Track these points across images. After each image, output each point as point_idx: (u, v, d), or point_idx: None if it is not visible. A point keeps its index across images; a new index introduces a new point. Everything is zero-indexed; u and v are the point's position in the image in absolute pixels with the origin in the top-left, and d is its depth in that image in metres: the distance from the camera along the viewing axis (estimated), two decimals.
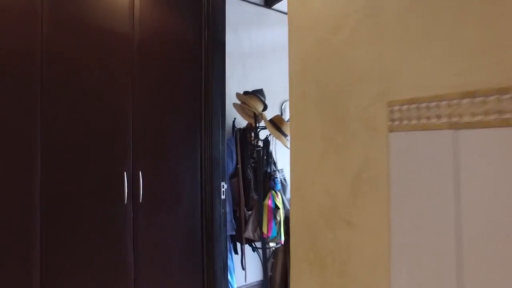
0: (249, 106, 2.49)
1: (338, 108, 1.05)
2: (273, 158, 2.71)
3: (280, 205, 2.57)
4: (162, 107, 1.90)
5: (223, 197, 2.07)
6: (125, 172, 1.74)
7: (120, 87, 1.77)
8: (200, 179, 2.04)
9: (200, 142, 2.05)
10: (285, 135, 2.56)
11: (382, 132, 0.91)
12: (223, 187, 2.07)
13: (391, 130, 0.89)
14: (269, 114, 2.74)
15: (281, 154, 3.36)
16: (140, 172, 1.79)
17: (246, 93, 2.58)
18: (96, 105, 1.70)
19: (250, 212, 2.54)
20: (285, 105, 3.30)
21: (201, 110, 2.05)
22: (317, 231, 1.11)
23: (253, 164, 2.65)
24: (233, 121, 2.71)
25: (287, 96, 3.50)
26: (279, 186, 2.62)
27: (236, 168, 2.62)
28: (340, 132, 1.03)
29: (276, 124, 2.52)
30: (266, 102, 2.67)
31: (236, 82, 2.97)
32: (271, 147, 2.67)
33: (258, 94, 2.58)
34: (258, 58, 3.18)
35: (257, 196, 2.54)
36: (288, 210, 2.75)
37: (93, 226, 1.66)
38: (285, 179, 2.95)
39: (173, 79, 1.96)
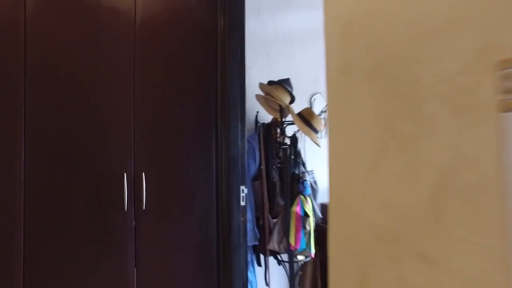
0: (274, 98, 2.15)
1: (402, 82, 0.69)
2: (301, 158, 2.36)
3: (310, 213, 2.21)
4: (169, 98, 1.62)
5: (242, 203, 1.75)
6: (125, 174, 1.46)
7: (119, 74, 1.50)
8: (215, 182, 1.74)
9: (215, 139, 1.74)
10: (316, 131, 2.20)
11: (486, 112, 0.54)
12: (242, 192, 1.76)
13: (504, 108, 0.52)
14: (297, 108, 2.39)
15: (311, 153, 3.00)
16: (143, 174, 1.51)
17: (270, 83, 2.25)
18: (90, 96, 1.44)
19: (275, 220, 2.21)
20: (315, 98, 2.93)
21: (217, 102, 1.75)
22: (370, 264, 0.76)
23: (278, 165, 2.32)
24: (256, 115, 2.39)
25: (317, 88, 3.13)
26: (309, 190, 2.27)
27: (259, 169, 2.29)
28: (407, 118, 0.67)
29: (306, 118, 2.17)
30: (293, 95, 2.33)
31: (259, 72, 2.64)
32: (300, 145, 2.32)
33: (284, 84, 2.24)
34: (283, 45, 2.84)
35: (283, 202, 2.20)
36: (319, 218, 2.39)
37: (87, 237, 1.40)
38: (315, 182, 2.58)
39: (183, 65, 1.67)
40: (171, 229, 1.59)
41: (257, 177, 2.29)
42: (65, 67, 1.40)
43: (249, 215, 2.15)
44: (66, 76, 1.40)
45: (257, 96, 2.30)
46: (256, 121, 2.38)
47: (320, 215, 2.38)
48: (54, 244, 1.35)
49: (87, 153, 1.42)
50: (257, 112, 2.34)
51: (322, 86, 3.02)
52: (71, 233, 1.38)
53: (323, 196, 3.07)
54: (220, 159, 1.76)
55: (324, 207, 2.66)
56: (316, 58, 3.03)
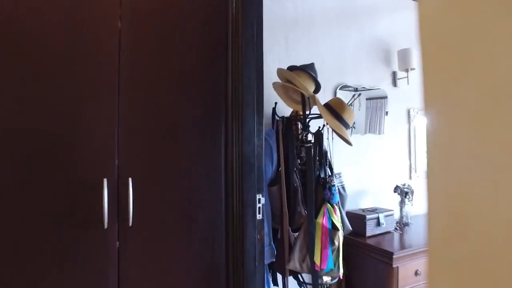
0: (295, 86, 1.78)
1: None
2: (328, 158, 1.98)
3: (338, 225, 1.83)
4: (164, 80, 1.25)
5: (259, 216, 1.38)
6: (105, 180, 1.10)
7: (98, 48, 1.14)
8: (224, 189, 1.37)
9: (225, 134, 1.38)
10: (347, 126, 1.81)
11: None
12: (259, 202, 1.38)
13: None
14: (321, 100, 2.01)
15: (339, 152, 2.61)
16: (130, 180, 1.15)
17: (291, 68, 1.87)
18: (58, 75, 1.08)
19: (297, 234, 1.83)
20: (339, 89, 2.54)
21: (227, 86, 1.38)
22: None
23: (300, 167, 1.94)
24: (273, 108, 2.01)
25: (342, 79, 2.72)
26: (337, 197, 1.88)
27: (277, 171, 1.92)
28: None
29: (335, 110, 1.78)
30: None
31: (276, 59, 2.27)
32: (326, 143, 1.94)
33: (308, 69, 1.86)
34: (304, 29, 2.46)
35: (306, 212, 1.82)
36: (350, 230, 2.00)
37: (53, 263, 1.05)
38: (343, 188, 2.20)
39: (184, 40, 1.31)
40: (167, 251, 1.23)
41: (274, 181, 1.91)
42: (25, 39, 1.05)
43: (265, 228, 1.78)
44: (26, 51, 1.05)
45: (275, 85, 1.92)
46: (274, 114, 2.01)
47: (350, 227, 1.99)
48: (10, 271, 1.01)
49: (55, 152, 1.06)
50: (275, 103, 1.97)
51: (347, 77, 2.63)
52: (31, 257, 1.03)
53: (351, 204, 2.68)
54: (230, 160, 1.39)
55: (352, 217, 2.26)
56: (341, 44, 2.65)
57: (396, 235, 2.36)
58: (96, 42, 1.14)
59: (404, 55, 2.77)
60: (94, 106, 1.13)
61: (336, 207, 1.88)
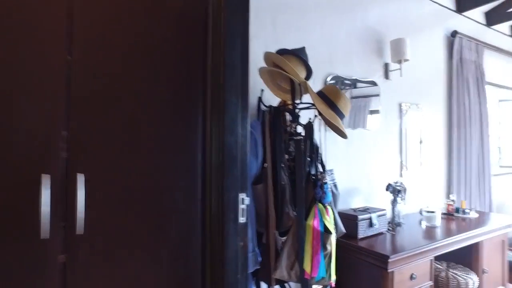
0: (285, 71, 1.57)
1: None
2: (319, 154, 1.79)
3: (331, 227, 1.64)
4: (127, 55, 1.02)
5: (242, 219, 1.17)
6: (45, 177, 0.86)
7: (40, 12, 0.90)
8: (201, 188, 1.15)
9: (202, 122, 1.15)
10: (343, 116, 1.62)
11: None
12: (243, 203, 1.17)
13: None
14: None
15: (331, 146, 2.43)
16: (80, 176, 0.91)
17: (281, 52, 1.66)
18: None
19: (284, 238, 1.63)
20: (330, 80, 2.35)
21: (205, 65, 1.15)
22: None
23: (288, 163, 1.74)
24: (259, 97, 1.80)
25: (332, 69, 2.52)
26: (329, 196, 1.69)
27: (263, 168, 1.71)
28: None
29: (329, 98, 1.59)
30: None
31: (262, 44, 2.06)
32: (317, 136, 1.74)
33: (299, 53, 1.65)
34: (294, 14, 2.25)
35: (295, 213, 1.63)
36: (342, 232, 1.81)
37: None
38: (335, 186, 2.01)
39: (153, 8, 1.07)
40: (128, 265, 1.00)
41: (259, 179, 1.70)
42: None
43: (249, 232, 1.57)
44: None
45: (262, 70, 1.71)
46: (259, 104, 1.80)
47: (343, 229, 1.81)
48: None
49: None
50: (262, 90, 1.76)
51: (338, 67, 2.44)
52: None
53: (341, 203, 2.51)
54: (209, 154, 1.17)
55: (343, 218, 2.08)
56: (333, 33, 2.46)
57: (389, 236, 2.20)
58: (39, 8, 0.90)
59: (397, 45, 2.61)
60: (35, 89, 0.88)
61: (328, 207, 1.69)
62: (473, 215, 2.80)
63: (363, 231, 2.13)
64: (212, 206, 1.15)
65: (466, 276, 2.28)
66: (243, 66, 1.17)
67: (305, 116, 1.80)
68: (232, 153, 1.16)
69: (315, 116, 1.76)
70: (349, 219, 2.13)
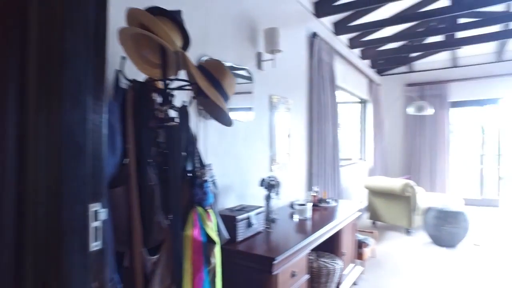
0: (157, 36, 1.17)
1: None
2: (196, 146, 1.46)
3: (214, 235, 1.34)
4: None
5: (95, 245, 0.73)
6: None
7: None
8: (15, 198, 0.66)
9: (17, 90, 0.66)
10: (227, 98, 1.33)
11: None
12: (96, 218, 0.74)
13: None
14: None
15: (203, 138, 2.11)
16: None
17: (152, 11, 1.24)
18: None
19: (156, 257, 1.23)
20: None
21: (25, 14, 0.66)
22: None
23: (158, 157, 1.34)
24: (117, 70, 1.33)
25: (205, 51, 2.17)
26: (211, 197, 1.39)
27: (122, 165, 1.26)
28: None
29: (213, 75, 1.27)
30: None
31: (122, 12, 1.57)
32: (194, 123, 1.40)
33: (175, 15, 1.28)
34: None
35: (168, 221, 1.25)
36: (226, 239, 1.53)
37: None
38: (214, 184, 1.71)
39: None
40: None
41: (118, 180, 1.25)
42: None
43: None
44: None
45: (123, 32, 1.25)
46: (117, 79, 1.32)
47: (226, 235, 1.53)
48: None
49: None
50: (123, 58, 1.29)
51: (212, 49, 2.16)
52: None
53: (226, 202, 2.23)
54: (33, 142, 0.69)
55: (228, 220, 1.80)
56: (208, 9, 2.16)
57: (267, 235, 2.07)
58: None
59: (270, 34, 2.53)
60: None
61: (210, 212, 1.38)
62: (333, 204, 3.00)
63: (242, 233, 1.92)
64: (37, 230, 0.68)
65: (334, 262, 2.37)
66: (98, 20, 0.73)
67: (180, 98, 1.44)
68: (77, 142, 0.71)
69: (193, 97, 1.42)
70: (227, 221, 1.87)
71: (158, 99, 1.37)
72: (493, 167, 6.23)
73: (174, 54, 1.20)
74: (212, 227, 1.35)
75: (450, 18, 4.19)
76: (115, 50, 1.27)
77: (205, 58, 2.03)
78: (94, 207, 0.74)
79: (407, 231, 4.48)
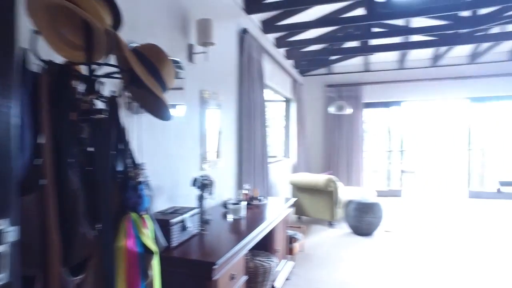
0: (81, 10, 0.96)
1: None
2: (128, 142, 1.27)
3: (151, 245, 1.18)
4: None
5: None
6: None
7: None
8: None
9: None
10: (165, 88, 1.18)
11: None
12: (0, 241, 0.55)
13: None
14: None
15: (142, 132, 1.87)
16: None
17: None
18: None
19: (81, 277, 1.02)
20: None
21: None
22: None
23: (82, 157, 1.12)
24: (24, 49, 1.06)
25: (134, 37, 1.91)
26: (147, 201, 1.22)
27: (33, 166, 1.01)
28: None
29: (151, 61, 1.11)
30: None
31: None
32: (123, 116, 1.22)
33: None
34: None
35: (96, 232, 1.05)
36: (163, 247, 1.36)
37: None
38: (148, 185, 1.52)
39: None
40: None
41: (28, 186, 1.00)
42: None
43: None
44: None
45: (30, 4, 1.00)
46: (25, 60, 1.06)
47: (164, 242, 1.36)
48: None
49: None
50: (35, 32, 1.04)
51: (141, 36, 1.95)
52: None
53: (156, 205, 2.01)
54: None
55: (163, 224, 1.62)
56: None
57: (203, 238, 1.95)
58: None
59: (203, 26, 2.39)
60: None
61: (145, 216, 1.22)
62: (264, 201, 3.00)
63: (177, 237, 1.76)
64: None
65: (269, 260, 2.36)
66: None
67: (109, 86, 1.23)
68: None
69: (124, 87, 1.23)
70: (159, 226, 1.70)
71: (80, 87, 1.15)
72: (397, 162, 7.06)
73: (104, 34, 1.00)
74: (149, 234, 1.19)
75: (365, 26, 4.57)
76: (23, 23, 1.02)
77: (133, 45, 1.81)
78: None
79: (330, 224, 4.77)
